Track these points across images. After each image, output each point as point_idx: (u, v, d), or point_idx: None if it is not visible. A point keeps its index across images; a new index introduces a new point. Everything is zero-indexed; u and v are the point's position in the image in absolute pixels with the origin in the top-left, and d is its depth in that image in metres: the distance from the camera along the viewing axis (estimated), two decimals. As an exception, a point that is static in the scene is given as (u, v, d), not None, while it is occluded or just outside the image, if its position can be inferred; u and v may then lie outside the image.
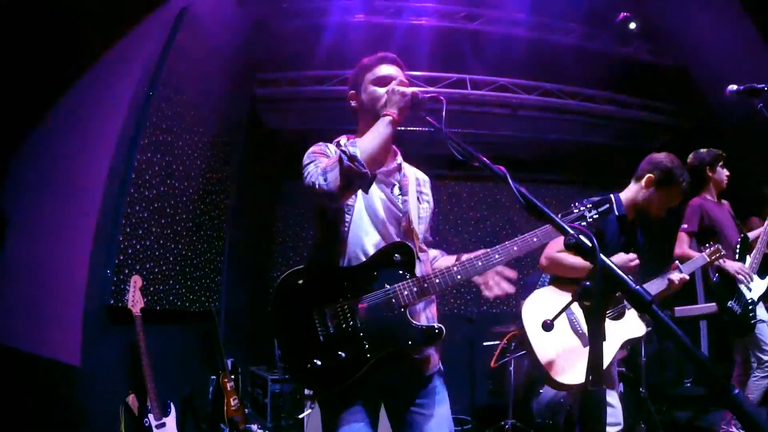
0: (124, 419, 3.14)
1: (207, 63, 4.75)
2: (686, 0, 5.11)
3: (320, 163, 1.71)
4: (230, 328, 5.25)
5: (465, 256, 1.80)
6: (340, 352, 1.64)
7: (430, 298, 1.77)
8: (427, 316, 1.80)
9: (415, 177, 2.00)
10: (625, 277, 1.04)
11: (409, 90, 1.69)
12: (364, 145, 1.64)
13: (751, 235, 3.60)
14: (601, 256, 1.06)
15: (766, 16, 4.61)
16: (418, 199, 1.95)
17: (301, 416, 1.76)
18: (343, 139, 1.95)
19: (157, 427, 3.19)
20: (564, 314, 2.48)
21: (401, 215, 1.84)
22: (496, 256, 1.70)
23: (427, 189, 2.03)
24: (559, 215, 1.81)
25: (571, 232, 1.14)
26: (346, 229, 1.78)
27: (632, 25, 5.42)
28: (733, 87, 2.45)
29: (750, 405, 0.92)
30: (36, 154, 3.64)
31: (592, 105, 5.95)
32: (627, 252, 2.62)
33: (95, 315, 3.37)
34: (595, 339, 1.05)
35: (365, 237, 1.78)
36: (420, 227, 1.90)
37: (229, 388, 4.28)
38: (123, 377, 3.51)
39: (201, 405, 4.36)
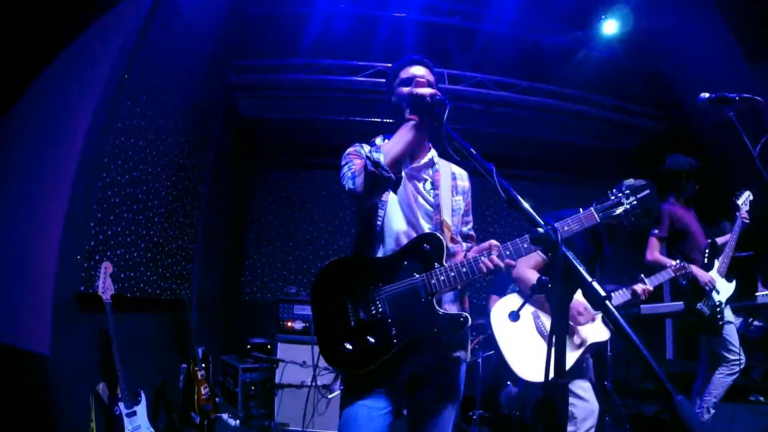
0: (95, 408, 3.08)
1: (183, 47, 4.63)
2: (668, 7, 5.23)
3: (353, 166, 1.82)
4: (201, 317, 5.20)
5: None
6: (369, 337, 1.74)
7: (458, 287, 1.83)
8: (457, 306, 1.90)
9: (450, 171, 2.08)
10: (584, 274, 1.08)
11: (428, 92, 1.73)
12: (387, 149, 1.76)
13: (720, 240, 3.74)
14: (564, 248, 1.10)
15: (744, 25, 4.77)
16: (452, 192, 2.03)
17: (330, 396, 1.86)
18: (378, 139, 2.09)
19: (127, 415, 3.14)
20: (531, 317, 2.58)
21: (432, 209, 1.94)
22: (525, 245, 1.77)
23: (464, 182, 2.11)
24: (594, 203, 1.82)
25: (542, 223, 1.19)
26: (380, 222, 1.90)
27: (612, 28, 5.53)
28: (705, 95, 2.53)
29: (691, 413, 0.93)
30: (6, 137, 3.51)
31: (568, 104, 6.05)
32: (592, 261, 2.72)
33: (65, 302, 3.29)
34: (555, 333, 1.08)
35: (398, 229, 1.90)
36: (453, 219, 1.99)
37: (199, 377, 4.24)
38: (93, 366, 3.44)
39: (172, 394, 4.31)
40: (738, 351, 3.57)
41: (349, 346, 1.73)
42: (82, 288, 3.42)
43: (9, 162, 3.44)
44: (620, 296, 2.79)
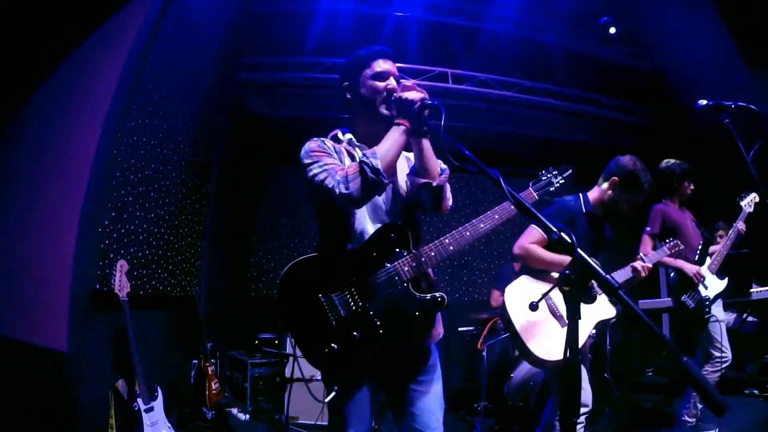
0: (114, 404, 3.16)
1: (193, 45, 4.67)
2: (670, 9, 5.32)
3: (327, 166, 1.78)
4: (209, 312, 5.27)
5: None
6: (354, 333, 1.73)
7: (429, 269, 1.87)
8: (430, 285, 1.90)
9: (404, 158, 2.09)
10: (598, 267, 1.20)
11: (417, 97, 1.75)
12: (383, 154, 1.74)
13: (713, 248, 3.85)
14: (579, 250, 1.19)
15: (743, 27, 4.85)
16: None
17: (326, 400, 1.85)
18: (339, 134, 2.03)
19: (145, 410, 3.21)
20: (544, 300, 2.68)
21: (393, 195, 1.94)
22: (482, 225, 1.86)
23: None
24: (530, 183, 2.15)
25: (554, 229, 1.26)
26: (347, 218, 1.86)
27: (612, 30, 5.62)
28: (703, 102, 2.59)
29: (697, 370, 1.07)
30: (21, 137, 3.55)
31: (569, 104, 6.14)
32: (596, 244, 2.88)
33: (82, 300, 3.34)
34: (572, 319, 1.21)
35: (365, 222, 1.87)
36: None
37: (210, 372, 4.33)
38: (110, 362, 3.51)
39: (183, 389, 4.39)
40: (723, 348, 3.65)
41: (335, 346, 1.72)
42: (98, 286, 3.48)
43: (25, 161, 3.48)
44: (622, 274, 2.93)
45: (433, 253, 1.81)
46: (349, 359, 1.73)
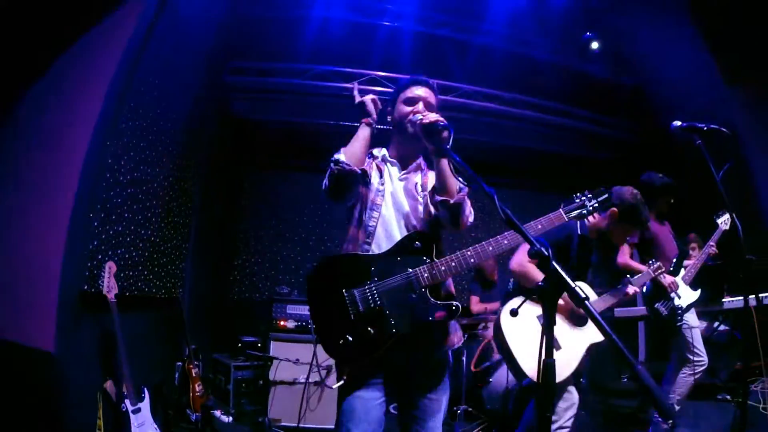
0: (102, 405, 3.16)
1: (182, 47, 4.68)
2: (651, 26, 5.53)
3: None
4: (192, 315, 5.26)
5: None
6: (369, 329, 1.89)
7: (448, 278, 2.03)
8: (447, 294, 2.06)
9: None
10: (569, 280, 1.34)
11: (434, 118, 1.94)
12: (347, 147, 2.06)
13: (686, 262, 4.03)
14: (554, 263, 1.34)
15: (721, 44, 5.05)
16: None
17: (334, 387, 1.98)
18: (375, 150, 2.27)
19: (133, 412, 3.23)
20: (536, 320, 2.78)
21: (422, 207, 2.13)
22: (505, 242, 1.97)
23: None
24: (562, 204, 2.13)
25: (537, 244, 1.39)
26: (374, 223, 2.07)
27: (595, 45, 5.83)
28: (677, 123, 2.74)
29: (648, 377, 1.22)
30: (12, 137, 3.53)
31: (549, 116, 6.34)
32: (578, 265, 3.01)
33: (70, 301, 3.33)
34: (548, 327, 1.37)
35: (392, 228, 2.08)
36: None
37: (194, 374, 4.34)
38: (97, 364, 3.50)
39: (168, 391, 4.39)
40: (700, 353, 3.83)
41: (350, 338, 1.88)
42: (86, 287, 3.47)
43: (15, 161, 3.45)
44: (612, 297, 3.09)
45: (453, 263, 1.95)
46: (361, 351, 1.89)
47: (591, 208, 2.10)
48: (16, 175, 3.45)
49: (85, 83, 3.64)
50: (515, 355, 2.69)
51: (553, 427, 2.84)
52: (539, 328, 2.76)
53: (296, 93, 5.76)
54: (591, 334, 2.87)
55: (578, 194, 2.14)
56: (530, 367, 2.64)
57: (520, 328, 2.74)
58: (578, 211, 2.10)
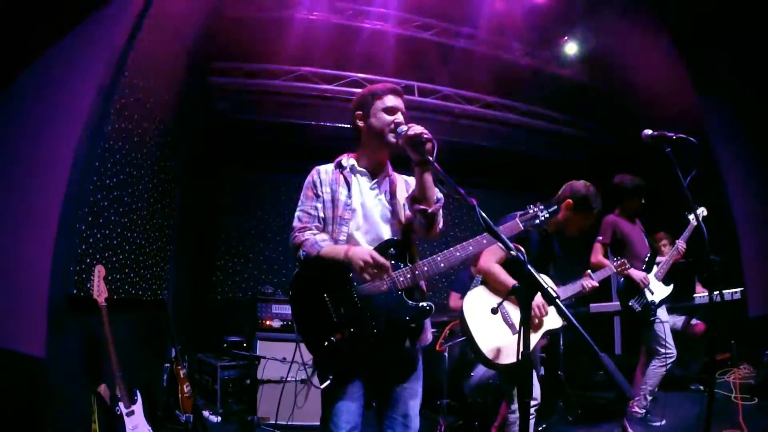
0: (97, 408, 3.17)
1: (167, 48, 4.67)
2: (624, 32, 5.72)
3: (304, 216, 2.19)
4: (176, 316, 5.26)
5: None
6: (351, 329, 2.03)
7: (421, 281, 2.17)
8: (422, 295, 2.19)
9: (403, 180, 2.35)
10: (541, 280, 1.50)
11: (421, 131, 1.99)
12: (325, 252, 2.08)
13: (660, 259, 4.23)
14: (528, 266, 1.51)
15: (693, 52, 5.25)
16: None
17: (322, 387, 2.08)
18: (344, 160, 2.30)
19: (127, 414, 3.25)
20: (499, 309, 2.95)
21: (390, 215, 2.23)
22: (470, 248, 2.12)
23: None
24: (519, 214, 2.32)
25: (513, 248, 1.56)
26: (344, 237, 2.16)
27: (571, 50, 6.02)
28: (648, 131, 2.87)
29: (611, 365, 1.39)
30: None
31: (527, 119, 6.52)
32: (545, 259, 3.20)
33: (59, 305, 3.33)
34: (524, 323, 1.53)
35: (365, 237, 2.18)
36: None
37: (182, 375, 4.35)
38: (87, 368, 3.50)
39: (156, 393, 4.40)
40: (669, 345, 4.03)
41: (334, 339, 2.02)
42: (75, 291, 3.47)
43: (2, 168, 3.42)
44: (571, 290, 3.27)
45: (426, 268, 2.10)
46: (344, 351, 2.03)
47: (543, 218, 2.27)
48: (2, 180, 3.42)
49: (71, 87, 3.61)
50: (475, 338, 2.85)
51: (512, 407, 3.10)
52: (499, 314, 2.96)
53: (279, 94, 5.79)
54: (548, 322, 3.04)
55: (531, 205, 2.31)
56: (488, 348, 2.82)
57: (481, 313, 2.90)
58: (532, 222, 2.28)
